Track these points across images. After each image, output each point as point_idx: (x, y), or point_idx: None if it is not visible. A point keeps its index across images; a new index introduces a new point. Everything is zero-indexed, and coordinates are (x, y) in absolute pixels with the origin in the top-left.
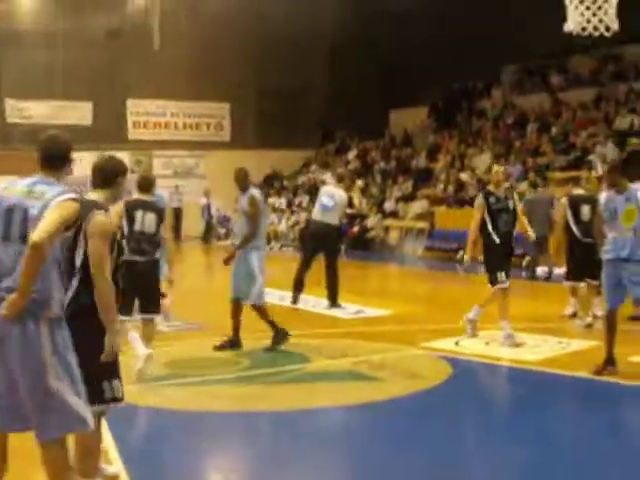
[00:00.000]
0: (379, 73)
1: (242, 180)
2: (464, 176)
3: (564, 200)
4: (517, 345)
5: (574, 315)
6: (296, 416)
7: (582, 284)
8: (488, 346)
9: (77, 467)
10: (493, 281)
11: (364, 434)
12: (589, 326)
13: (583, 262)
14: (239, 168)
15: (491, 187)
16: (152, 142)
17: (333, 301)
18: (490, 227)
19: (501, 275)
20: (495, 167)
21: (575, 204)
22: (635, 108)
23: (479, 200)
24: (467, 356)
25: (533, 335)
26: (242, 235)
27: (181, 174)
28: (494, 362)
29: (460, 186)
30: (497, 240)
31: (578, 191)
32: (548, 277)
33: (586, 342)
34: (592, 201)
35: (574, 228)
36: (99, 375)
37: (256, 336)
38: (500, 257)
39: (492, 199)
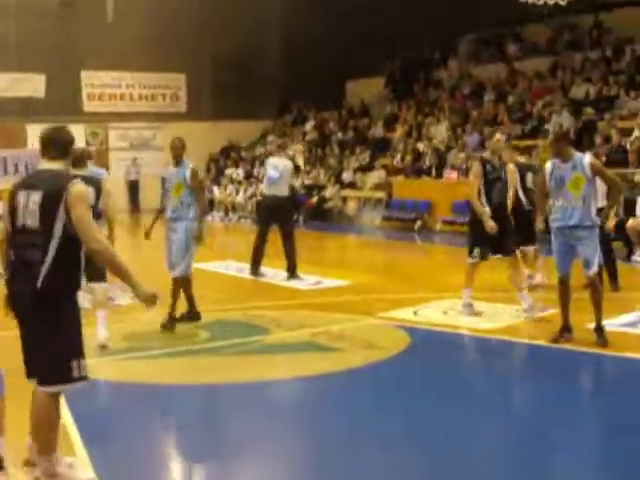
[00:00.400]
0: (335, 43)
1: (180, 150)
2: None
3: (512, 166)
4: (475, 314)
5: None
6: (255, 388)
7: (531, 248)
8: (446, 315)
9: (34, 443)
10: (470, 253)
11: (324, 405)
12: (536, 286)
13: (529, 228)
14: (177, 138)
15: (487, 154)
16: (108, 114)
17: (292, 272)
18: (484, 198)
19: (476, 251)
20: (497, 135)
21: (520, 172)
22: (590, 77)
23: (477, 167)
24: (425, 325)
25: (492, 304)
26: (187, 207)
27: (138, 146)
28: (452, 331)
29: (417, 156)
30: (488, 211)
31: (521, 159)
32: None
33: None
34: (534, 169)
35: (521, 195)
36: (68, 353)
37: (211, 308)
38: (483, 231)
39: (489, 167)
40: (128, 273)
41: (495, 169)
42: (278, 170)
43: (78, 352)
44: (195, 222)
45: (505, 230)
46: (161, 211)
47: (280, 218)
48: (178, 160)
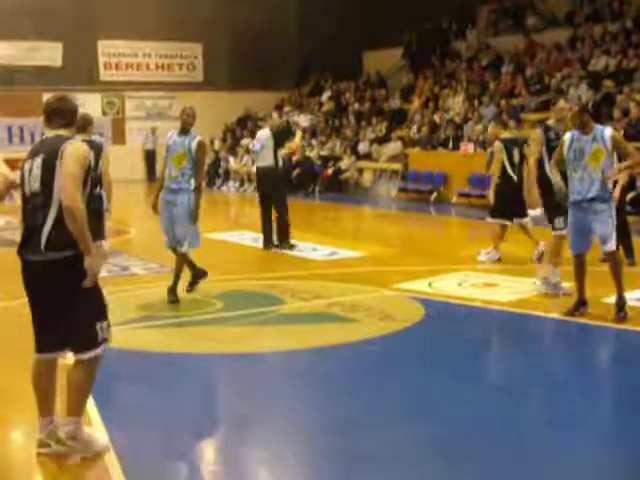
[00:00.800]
0: (353, 14)
1: (191, 119)
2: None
3: (499, 143)
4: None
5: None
6: (270, 357)
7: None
8: (461, 287)
9: (67, 405)
10: (552, 225)
11: (338, 375)
12: (499, 260)
13: (516, 201)
14: (189, 107)
15: (551, 122)
16: (124, 83)
17: (280, 240)
18: (547, 166)
19: (559, 221)
20: (561, 102)
21: (506, 147)
22: (609, 50)
23: (538, 134)
24: (440, 297)
25: (507, 276)
26: (189, 179)
27: (154, 116)
28: (467, 303)
29: (434, 128)
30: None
31: (506, 134)
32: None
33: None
34: (519, 144)
35: (509, 169)
36: (92, 317)
37: (226, 278)
38: (554, 198)
39: (551, 134)
40: (89, 241)
41: (558, 137)
42: (260, 142)
43: (101, 314)
44: (194, 195)
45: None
46: (162, 181)
47: (267, 188)
48: (186, 129)
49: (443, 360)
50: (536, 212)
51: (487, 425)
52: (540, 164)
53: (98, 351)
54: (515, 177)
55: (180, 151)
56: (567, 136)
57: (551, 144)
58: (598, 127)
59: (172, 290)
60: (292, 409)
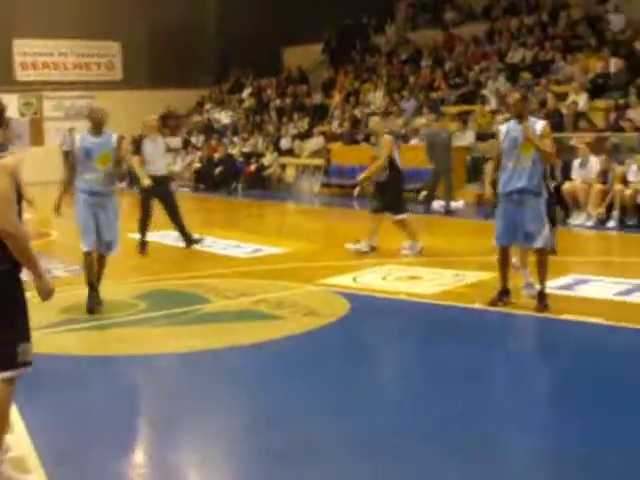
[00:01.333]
0: (272, 10)
1: (104, 118)
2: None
3: (389, 137)
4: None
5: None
6: (195, 357)
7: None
8: (385, 281)
9: None
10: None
11: (263, 372)
12: (369, 251)
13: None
14: (97, 107)
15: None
16: (41, 83)
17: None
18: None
19: None
20: (515, 94)
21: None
22: (526, 42)
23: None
24: (365, 291)
25: (430, 269)
26: (112, 180)
27: (72, 116)
28: (391, 296)
29: (355, 122)
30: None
31: (391, 129)
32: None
33: (482, 273)
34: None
35: (399, 164)
36: (15, 338)
37: (149, 278)
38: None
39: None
40: (37, 263)
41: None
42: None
43: (24, 336)
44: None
45: None
46: (68, 184)
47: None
48: (99, 129)
49: (366, 355)
50: None
51: (409, 420)
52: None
53: (15, 373)
54: (402, 170)
55: (104, 152)
56: (503, 127)
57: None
58: (531, 118)
59: (96, 295)
60: (215, 409)
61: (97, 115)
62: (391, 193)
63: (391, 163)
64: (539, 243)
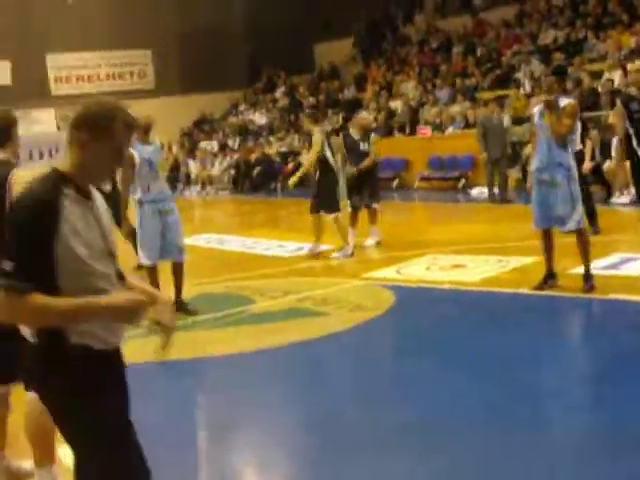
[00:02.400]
0: (300, 8)
1: (153, 126)
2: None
3: (319, 135)
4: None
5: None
6: (244, 358)
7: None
8: (429, 271)
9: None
10: None
11: (317, 368)
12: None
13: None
14: (147, 115)
15: (632, 90)
16: (76, 96)
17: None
18: (635, 141)
19: None
20: (638, 63)
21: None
22: (557, 23)
23: (619, 106)
24: (409, 283)
25: (473, 256)
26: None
27: None
28: (436, 286)
29: (390, 114)
30: None
31: (317, 128)
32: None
33: (526, 258)
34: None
35: (331, 162)
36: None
37: (195, 282)
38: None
39: (634, 105)
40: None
41: None
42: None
43: None
44: None
45: None
46: (126, 199)
47: None
48: (148, 136)
49: (416, 346)
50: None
51: (468, 408)
52: (628, 139)
53: None
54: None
55: (161, 159)
56: (535, 108)
57: (635, 116)
58: (562, 97)
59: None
60: (278, 406)
61: (147, 121)
62: (326, 191)
63: (324, 161)
64: (571, 226)
